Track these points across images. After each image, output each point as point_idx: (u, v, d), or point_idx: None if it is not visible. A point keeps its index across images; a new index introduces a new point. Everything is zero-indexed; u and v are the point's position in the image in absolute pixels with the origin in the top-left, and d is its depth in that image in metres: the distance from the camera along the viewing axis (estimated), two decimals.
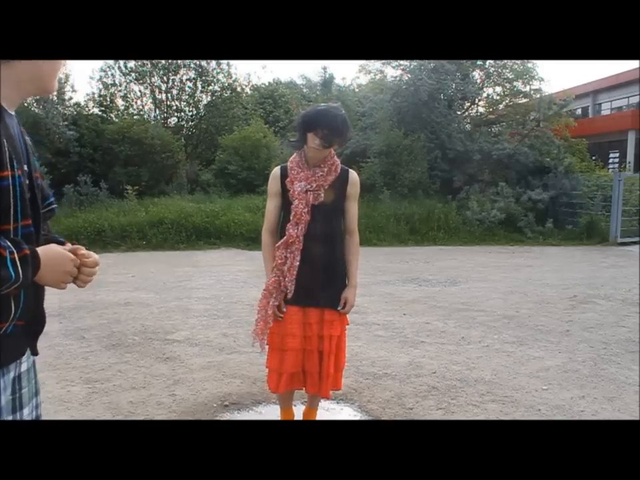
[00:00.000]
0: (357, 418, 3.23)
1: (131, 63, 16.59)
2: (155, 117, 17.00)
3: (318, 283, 2.62)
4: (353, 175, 2.73)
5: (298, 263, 2.59)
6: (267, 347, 2.70)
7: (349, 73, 54.90)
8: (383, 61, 16.98)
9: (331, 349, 2.66)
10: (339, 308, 2.68)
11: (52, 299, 6.24)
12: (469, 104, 16.99)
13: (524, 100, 16.42)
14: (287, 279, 2.61)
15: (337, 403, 3.41)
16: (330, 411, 3.33)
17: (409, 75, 15.15)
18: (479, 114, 17.58)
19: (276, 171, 2.71)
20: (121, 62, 16.65)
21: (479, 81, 16.59)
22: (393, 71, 16.76)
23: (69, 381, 3.71)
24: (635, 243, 12.78)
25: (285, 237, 2.61)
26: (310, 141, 2.57)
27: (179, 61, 16.22)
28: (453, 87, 15.52)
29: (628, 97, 27.96)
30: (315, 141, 2.55)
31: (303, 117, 2.62)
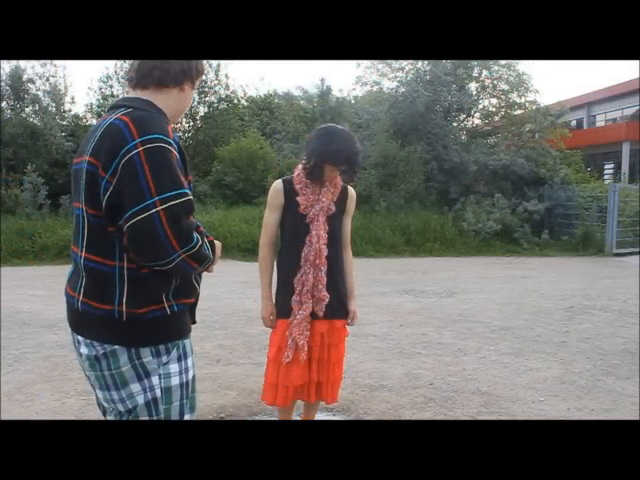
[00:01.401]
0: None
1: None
2: None
3: (326, 294, 2.62)
4: (352, 190, 2.75)
5: (312, 278, 2.58)
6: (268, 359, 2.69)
7: (345, 84, 55.17)
8: (379, 73, 17.11)
9: (338, 357, 2.69)
10: (349, 320, 2.72)
11: (47, 309, 6.22)
12: (464, 115, 17.09)
13: (519, 111, 16.53)
14: (303, 291, 2.59)
15: (334, 414, 3.40)
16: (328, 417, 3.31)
17: (405, 87, 15.25)
18: (474, 125, 17.68)
19: (278, 184, 2.65)
20: (120, 73, 16.70)
21: (474, 92, 16.71)
22: (389, 82, 16.88)
23: (63, 393, 3.68)
24: (630, 253, 12.82)
25: (303, 254, 2.59)
26: (328, 170, 2.54)
27: None
28: (449, 98, 15.62)
29: (622, 109, 28.18)
30: (333, 171, 2.54)
31: (322, 148, 2.51)
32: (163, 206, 1.40)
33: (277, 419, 2.99)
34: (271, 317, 2.68)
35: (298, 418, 3.09)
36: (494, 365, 4.41)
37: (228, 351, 4.71)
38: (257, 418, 3.34)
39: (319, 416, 3.15)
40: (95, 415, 3.33)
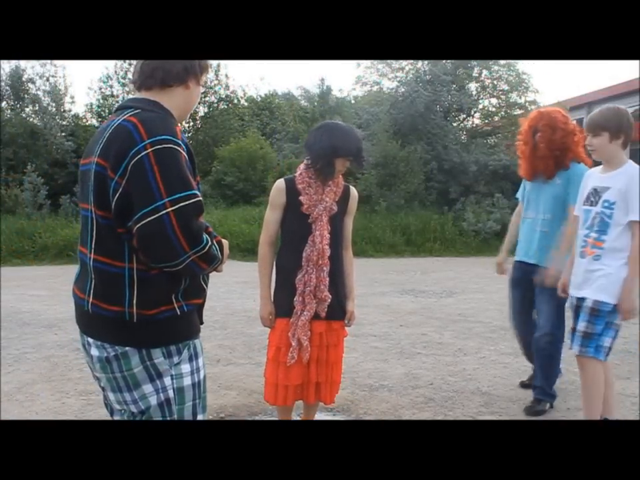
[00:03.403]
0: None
1: (130, 74, 16.65)
2: None
3: (328, 295, 2.62)
4: (354, 190, 2.75)
5: (314, 278, 2.58)
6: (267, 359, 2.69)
7: (345, 84, 55.15)
8: (379, 73, 17.10)
9: (337, 358, 2.69)
10: (346, 321, 2.72)
11: (47, 309, 6.22)
12: (464, 115, 17.09)
13: (519, 111, 16.52)
14: (306, 291, 2.59)
15: (334, 415, 3.40)
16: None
17: (405, 87, 15.25)
18: (474, 125, 17.67)
19: (280, 183, 2.65)
20: (120, 73, 16.71)
21: (474, 92, 16.70)
22: (389, 82, 16.88)
23: (64, 393, 3.68)
24: None
25: (306, 254, 2.59)
26: (339, 165, 2.56)
27: None
28: (449, 98, 15.62)
29: None
30: (345, 165, 2.57)
31: (330, 143, 2.53)
32: (173, 207, 1.40)
33: (277, 419, 2.99)
34: (270, 316, 2.67)
35: (298, 418, 3.09)
36: (494, 365, 4.41)
37: (228, 351, 4.71)
38: (257, 418, 3.33)
39: (319, 416, 3.14)
40: (95, 415, 3.33)
